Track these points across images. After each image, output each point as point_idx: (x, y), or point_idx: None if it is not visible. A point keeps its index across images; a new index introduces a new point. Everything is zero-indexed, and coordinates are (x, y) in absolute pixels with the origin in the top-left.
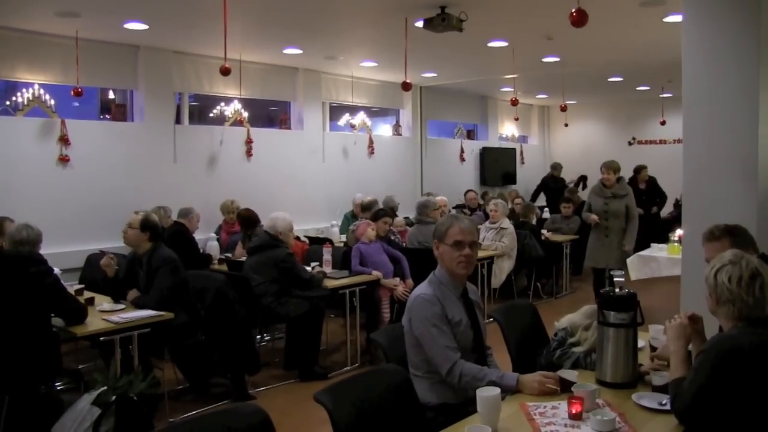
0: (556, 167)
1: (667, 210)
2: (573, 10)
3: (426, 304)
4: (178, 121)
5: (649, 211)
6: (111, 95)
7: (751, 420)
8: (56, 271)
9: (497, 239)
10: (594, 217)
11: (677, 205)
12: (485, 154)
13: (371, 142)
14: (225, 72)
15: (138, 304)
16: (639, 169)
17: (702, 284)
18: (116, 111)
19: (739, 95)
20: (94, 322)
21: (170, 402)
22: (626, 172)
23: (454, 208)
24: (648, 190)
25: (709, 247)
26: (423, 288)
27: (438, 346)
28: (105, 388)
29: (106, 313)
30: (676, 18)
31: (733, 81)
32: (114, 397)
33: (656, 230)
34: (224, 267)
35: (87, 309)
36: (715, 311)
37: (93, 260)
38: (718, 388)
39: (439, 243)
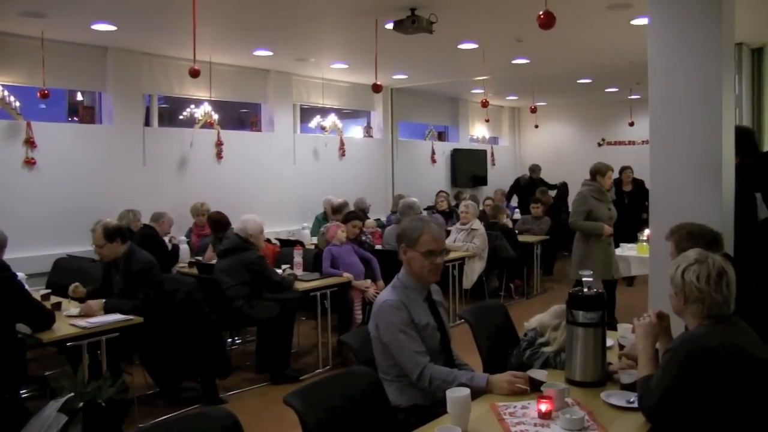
0: (535, 169)
1: None
2: (540, 13)
3: (392, 310)
4: (147, 123)
5: (638, 217)
6: (79, 97)
7: (717, 417)
8: (20, 276)
9: (468, 240)
10: (608, 228)
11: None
12: (456, 155)
13: (342, 144)
14: (194, 74)
15: (110, 308)
16: (622, 170)
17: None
18: (84, 113)
19: (703, 97)
20: (61, 328)
21: (140, 407)
22: None
23: (425, 209)
24: (634, 192)
25: (670, 245)
26: (388, 294)
27: (407, 351)
28: (72, 394)
29: (73, 318)
30: (643, 21)
31: (697, 83)
32: (81, 404)
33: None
34: (194, 270)
35: (54, 315)
36: (681, 310)
37: (60, 265)
38: (684, 386)
39: (408, 248)
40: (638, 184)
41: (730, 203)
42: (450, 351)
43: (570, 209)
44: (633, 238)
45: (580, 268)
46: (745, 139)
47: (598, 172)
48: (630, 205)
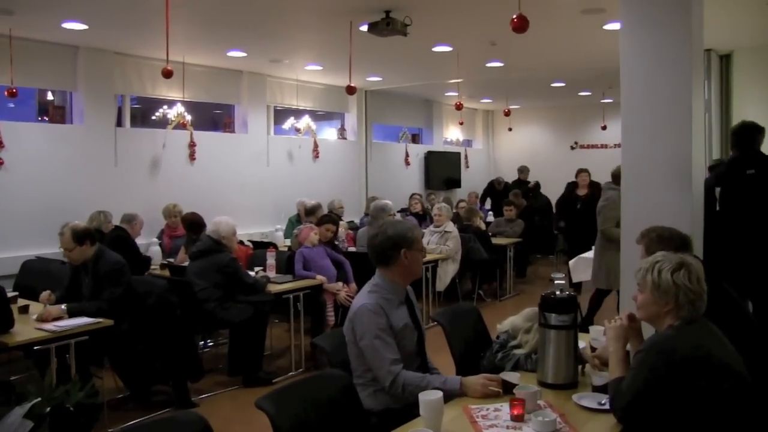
0: (523, 170)
1: None
2: (514, 16)
3: (370, 314)
4: (119, 123)
5: (593, 223)
6: (50, 96)
7: (687, 419)
8: None
9: (441, 243)
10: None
11: None
12: (430, 158)
13: (316, 145)
14: (167, 74)
15: (75, 312)
16: (578, 173)
17: None
18: (55, 113)
19: (674, 101)
20: (28, 331)
21: (110, 411)
22: (568, 177)
23: (398, 212)
24: (590, 197)
25: (642, 247)
26: (364, 298)
27: (381, 358)
28: (39, 399)
29: (40, 322)
30: (615, 26)
31: (667, 87)
32: (48, 409)
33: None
34: (166, 272)
35: (12, 318)
36: (658, 314)
37: (28, 267)
38: (655, 388)
39: (408, 251)
40: (595, 188)
41: (699, 206)
42: (425, 353)
43: (599, 215)
44: (587, 247)
45: (615, 276)
46: (743, 134)
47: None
48: (584, 211)
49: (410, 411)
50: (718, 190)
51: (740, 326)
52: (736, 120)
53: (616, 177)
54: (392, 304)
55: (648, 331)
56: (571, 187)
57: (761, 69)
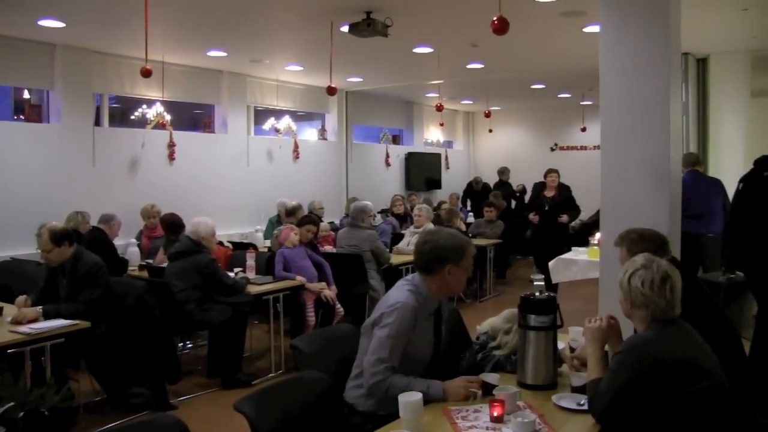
0: (504, 171)
1: (587, 214)
2: (495, 18)
3: (404, 315)
4: (97, 123)
5: (559, 227)
6: (26, 95)
7: (664, 420)
8: None
9: None
10: None
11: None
12: (410, 159)
13: (296, 146)
14: (146, 74)
15: (51, 314)
16: (547, 173)
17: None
18: (31, 111)
19: (652, 103)
20: (2, 334)
21: (86, 415)
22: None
23: (379, 213)
24: (557, 199)
25: (620, 250)
26: (406, 296)
27: (382, 355)
28: (12, 404)
29: (15, 324)
30: (595, 29)
31: (646, 90)
32: (22, 414)
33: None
34: (145, 273)
35: None
36: (629, 314)
37: (4, 268)
38: (633, 389)
39: (453, 267)
40: (564, 190)
41: (677, 208)
42: (438, 367)
43: None
44: (555, 250)
45: None
46: None
47: None
48: (551, 213)
49: (395, 418)
50: (741, 185)
51: (716, 326)
52: (712, 122)
53: None
54: (423, 313)
55: (627, 333)
56: (539, 188)
57: (736, 73)
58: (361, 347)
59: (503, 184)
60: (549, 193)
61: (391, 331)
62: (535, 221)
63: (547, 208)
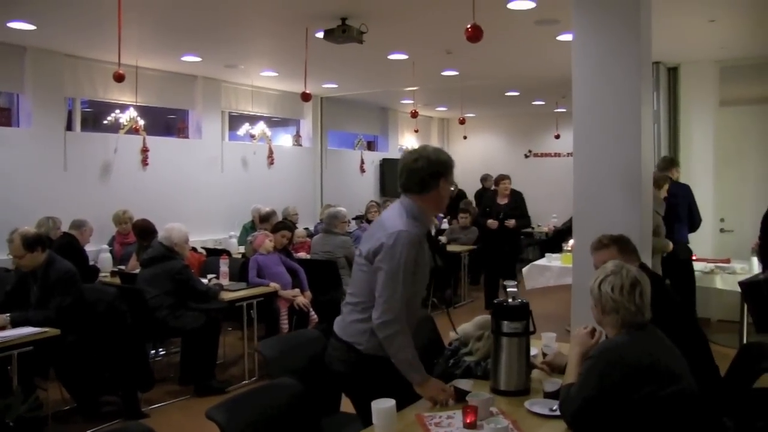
0: (486, 178)
1: (561, 220)
2: (468, 26)
3: (410, 245)
4: (69, 127)
5: (515, 236)
6: None
7: (634, 425)
8: None
9: None
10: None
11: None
12: (385, 165)
13: (271, 152)
14: (118, 78)
15: (19, 321)
16: (500, 180)
17: None
18: (0, 115)
19: (623, 111)
20: None
21: (55, 424)
22: (522, 185)
23: (353, 219)
24: (510, 206)
25: (597, 255)
26: (403, 224)
27: (396, 293)
28: None
29: None
30: (569, 37)
31: (617, 98)
32: None
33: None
34: (117, 280)
35: None
36: (601, 321)
37: None
38: (603, 394)
39: (445, 181)
40: (516, 196)
41: (648, 215)
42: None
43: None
44: (510, 269)
45: None
46: None
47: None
48: (505, 221)
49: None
50: None
51: (685, 332)
52: (683, 130)
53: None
54: (422, 236)
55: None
56: (491, 195)
57: (705, 82)
58: (356, 276)
59: (486, 191)
60: (502, 201)
61: (402, 264)
62: (494, 227)
63: (501, 215)
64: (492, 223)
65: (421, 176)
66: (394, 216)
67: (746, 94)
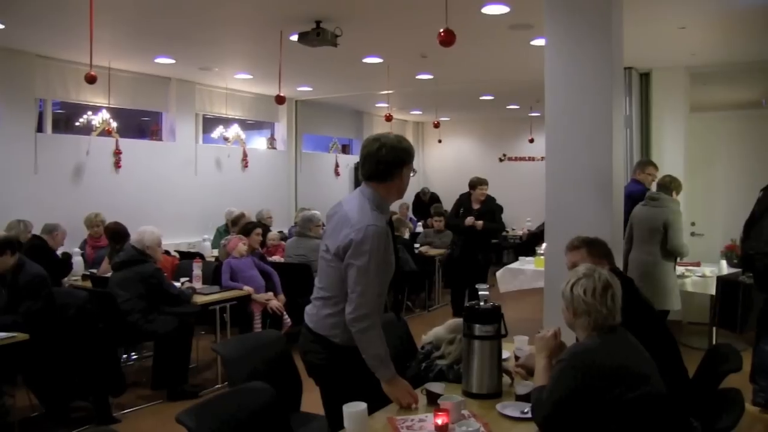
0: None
1: (536, 224)
2: (441, 30)
3: (380, 239)
4: (40, 129)
5: (488, 242)
6: None
7: (605, 426)
8: None
9: None
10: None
11: None
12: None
13: (245, 155)
14: (90, 80)
15: None
16: (474, 185)
17: None
18: None
19: (595, 115)
20: None
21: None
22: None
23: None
24: (484, 212)
25: (568, 256)
26: (372, 217)
27: (371, 289)
28: None
29: None
30: (542, 41)
31: (589, 102)
32: None
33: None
34: (88, 283)
35: None
36: (572, 323)
37: None
38: (574, 396)
39: (407, 168)
40: (490, 202)
41: (619, 218)
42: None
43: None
44: (481, 275)
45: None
46: None
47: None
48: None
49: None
50: (762, 194)
51: (655, 334)
52: (655, 135)
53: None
54: (387, 227)
55: (569, 341)
56: (464, 199)
57: (676, 88)
58: (325, 272)
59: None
60: (476, 206)
61: (374, 260)
62: (479, 227)
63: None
64: (470, 220)
65: (386, 164)
66: (358, 209)
67: (716, 100)
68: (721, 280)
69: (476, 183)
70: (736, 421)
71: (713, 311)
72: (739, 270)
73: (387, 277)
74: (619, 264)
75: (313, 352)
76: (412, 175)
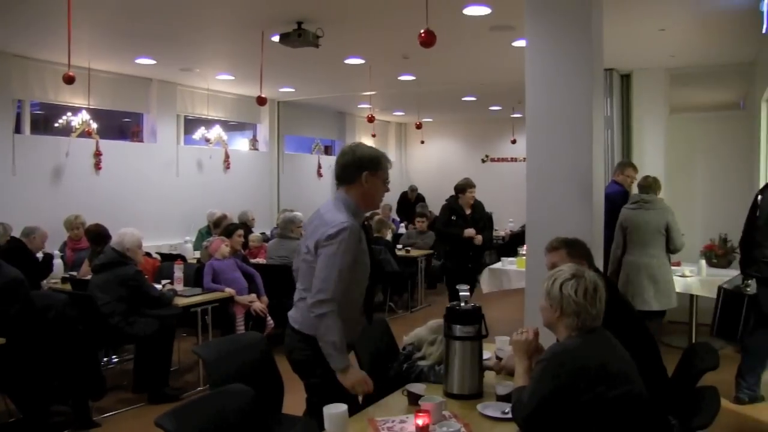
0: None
1: (518, 225)
2: (422, 31)
3: (352, 236)
4: (18, 130)
5: (479, 249)
6: None
7: (586, 426)
8: None
9: None
10: None
11: None
12: None
13: (227, 156)
14: (68, 80)
15: None
16: (464, 188)
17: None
18: None
19: (575, 117)
20: None
21: None
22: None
23: None
24: (475, 218)
25: (547, 256)
26: (347, 217)
27: (332, 282)
28: None
29: None
30: (524, 43)
31: (570, 103)
32: None
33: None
34: (68, 286)
35: None
36: (553, 323)
37: None
38: (555, 396)
39: (371, 175)
40: (479, 206)
41: (600, 218)
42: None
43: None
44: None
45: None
46: None
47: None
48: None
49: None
50: (760, 197)
51: (635, 334)
52: (635, 136)
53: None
54: (360, 230)
55: (547, 341)
56: (453, 203)
57: (656, 89)
58: (305, 272)
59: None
60: (468, 211)
61: (343, 255)
62: (479, 242)
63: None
64: (470, 232)
65: (347, 168)
66: (334, 210)
67: (695, 102)
68: (724, 291)
69: (465, 186)
70: (712, 418)
71: (712, 320)
72: (737, 274)
73: (361, 277)
74: (600, 265)
75: (299, 350)
76: (387, 183)
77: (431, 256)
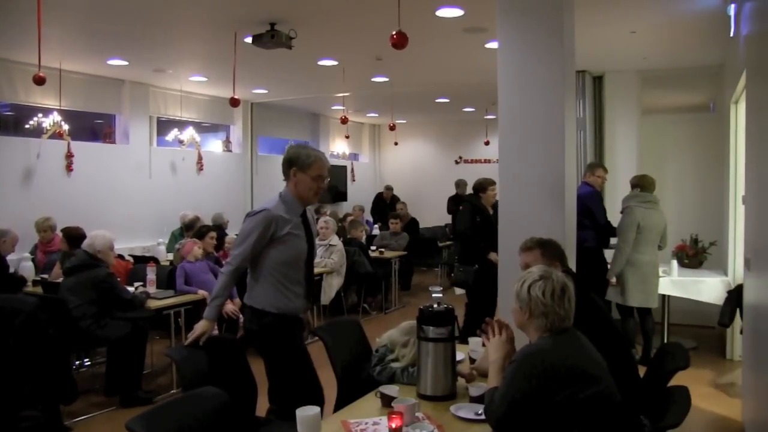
0: (460, 185)
1: None
2: (393, 33)
3: (263, 221)
4: None
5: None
6: None
7: (558, 426)
8: None
9: (326, 256)
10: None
11: None
12: None
13: (200, 158)
14: (39, 81)
15: None
16: (484, 186)
17: None
18: None
19: (547, 118)
20: None
21: None
22: (453, 191)
23: None
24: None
25: (521, 257)
26: (272, 204)
27: (241, 249)
28: None
29: None
30: (496, 44)
31: (541, 105)
32: None
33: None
34: (39, 289)
35: None
36: (525, 324)
37: None
38: (527, 397)
39: (298, 171)
40: (496, 207)
41: (572, 220)
42: (312, 265)
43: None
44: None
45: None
46: None
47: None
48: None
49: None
50: None
51: (606, 335)
52: (608, 137)
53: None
54: (291, 214)
55: (520, 342)
56: (474, 203)
57: (628, 91)
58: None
59: (459, 198)
60: (491, 211)
61: (251, 232)
62: (496, 260)
63: (485, 228)
64: (494, 257)
65: (282, 165)
66: (271, 199)
67: (666, 104)
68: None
69: (486, 184)
70: (682, 418)
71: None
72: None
73: (290, 258)
74: (572, 264)
75: (249, 321)
76: (322, 180)
77: (404, 258)
